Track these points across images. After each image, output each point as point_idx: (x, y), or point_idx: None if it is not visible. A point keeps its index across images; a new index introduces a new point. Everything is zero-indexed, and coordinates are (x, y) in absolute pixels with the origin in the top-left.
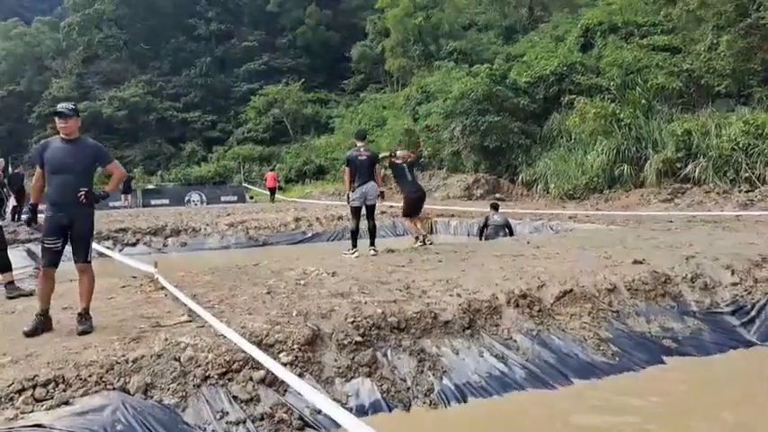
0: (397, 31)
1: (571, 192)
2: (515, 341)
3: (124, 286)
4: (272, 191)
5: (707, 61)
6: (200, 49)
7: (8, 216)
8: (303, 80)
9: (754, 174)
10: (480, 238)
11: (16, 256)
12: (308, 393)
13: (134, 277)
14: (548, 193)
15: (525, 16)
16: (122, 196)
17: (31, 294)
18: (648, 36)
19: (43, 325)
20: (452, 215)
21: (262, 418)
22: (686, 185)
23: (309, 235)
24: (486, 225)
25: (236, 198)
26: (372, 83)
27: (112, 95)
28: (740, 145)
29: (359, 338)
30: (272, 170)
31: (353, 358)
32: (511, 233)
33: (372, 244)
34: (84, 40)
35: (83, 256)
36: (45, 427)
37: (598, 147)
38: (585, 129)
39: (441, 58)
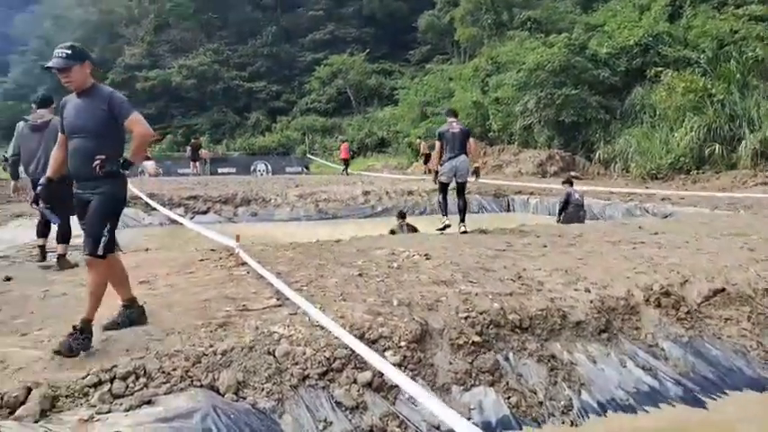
0: None
1: (654, 171)
2: (663, 349)
3: (202, 260)
4: (346, 162)
5: None
6: (267, 18)
7: None
8: (368, 50)
9: None
10: (558, 219)
11: None
12: (430, 404)
13: (213, 250)
14: (627, 172)
15: None
16: (191, 163)
17: (77, 266)
18: (744, 6)
19: (84, 343)
20: (531, 193)
21: (371, 431)
22: None
23: (379, 210)
24: (567, 203)
25: (300, 169)
26: (439, 54)
27: (182, 64)
28: None
29: (476, 338)
30: (345, 140)
31: (472, 362)
32: (585, 213)
33: (463, 220)
34: (155, 7)
35: (89, 244)
36: None
37: (687, 124)
38: (672, 104)
39: (513, 28)
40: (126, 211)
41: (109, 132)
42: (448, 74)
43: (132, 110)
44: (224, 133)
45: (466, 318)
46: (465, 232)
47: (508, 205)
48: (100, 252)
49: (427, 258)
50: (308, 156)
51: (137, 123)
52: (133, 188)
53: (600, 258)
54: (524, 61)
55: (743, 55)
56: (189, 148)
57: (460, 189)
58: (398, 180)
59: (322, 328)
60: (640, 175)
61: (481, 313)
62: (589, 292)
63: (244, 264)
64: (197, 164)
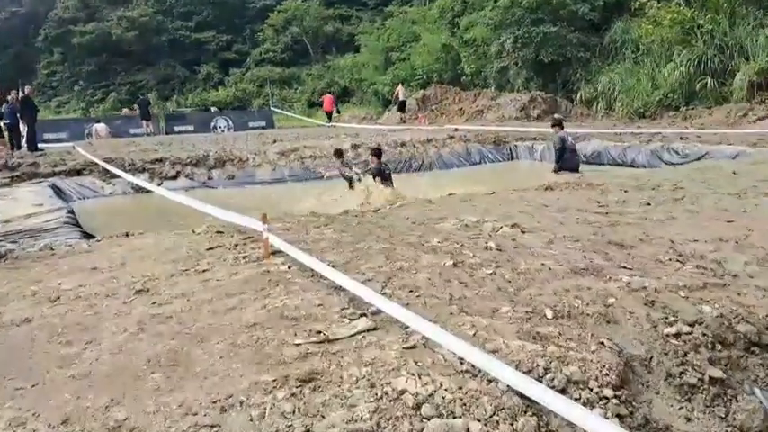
0: None
1: (642, 110)
2: None
3: (211, 248)
4: (329, 114)
5: None
6: None
7: (24, 146)
8: None
9: None
10: (556, 168)
11: (40, 194)
12: None
13: (219, 232)
14: (612, 111)
15: None
16: (143, 122)
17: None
18: None
19: None
20: (535, 138)
21: None
22: None
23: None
24: (564, 149)
25: (264, 123)
26: None
27: (120, 15)
28: None
29: (714, 372)
30: (330, 93)
31: (726, 416)
32: (579, 158)
33: None
34: None
35: None
36: None
37: (676, 58)
38: (657, 38)
39: None
40: (82, 180)
41: None
42: (411, 17)
43: None
44: (173, 89)
45: (676, 335)
46: None
47: (511, 153)
48: None
49: (523, 231)
50: (272, 109)
51: None
52: (85, 152)
53: (753, 220)
54: None
55: None
56: (137, 106)
57: None
58: (383, 131)
59: (474, 374)
60: (627, 115)
61: (692, 325)
62: None
63: (275, 253)
64: (149, 123)
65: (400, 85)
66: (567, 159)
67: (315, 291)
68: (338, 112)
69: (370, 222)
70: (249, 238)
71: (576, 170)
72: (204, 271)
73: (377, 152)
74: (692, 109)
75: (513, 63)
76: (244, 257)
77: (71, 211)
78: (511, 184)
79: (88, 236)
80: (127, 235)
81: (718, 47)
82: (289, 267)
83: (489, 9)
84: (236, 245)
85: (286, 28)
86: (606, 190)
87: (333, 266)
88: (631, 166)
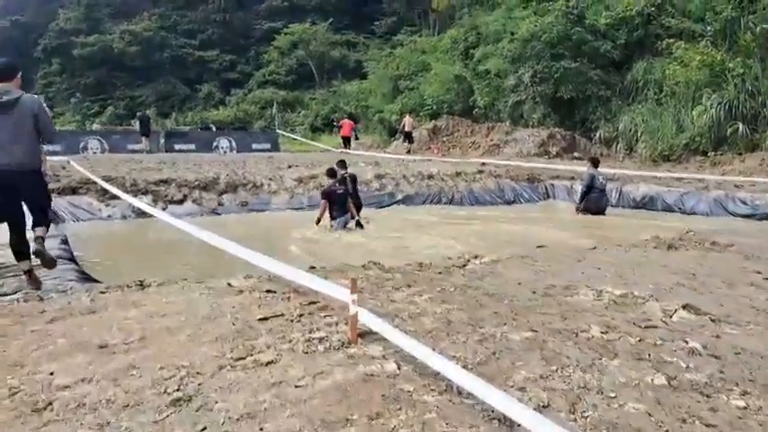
0: None
1: (666, 153)
2: None
3: (265, 318)
4: (347, 140)
5: None
6: None
7: None
8: (330, 20)
9: None
10: (579, 206)
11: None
12: None
13: (270, 291)
14: (632, 152)
15: None
16: (142, 138)
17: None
18: None
19: None
20: (573, 177)
21: None
22: None
23: (399, 197)
24: (591, 187)
25: (269, 146)
26: (406, 25)
27: (124, 29)
28: None
29: None
30: (349, 118)
31: None
32: (608, 200)
33: None
34: None
35: None
36: None
37: (705, 101)
38: (682, 79)
39: None
40: (77, 199)
41: None
42: (421, 46)
43: None
44: (172, 106)
45: None
46: None
47: (546, 192)
48: None
49: (713, 320)
50: (278, 131)
51: None
52: (81, 168)
53: None
54: (513, 32)
55: (757, 26)
56: (137, 122)
57: None
58: (403, 161)
59: None
60: (650, 157)
61: None
62: None
63: (364, 336)
64: (147, 139)
65: (407, 115)
66: (594, 199)
67: (464, 421)
68: (356, 138)
69: (469, 286)
70: (313, 303)
71: (601, 212)
72: (269, 364)
73: (330, 170)
74: (722, 155)
75: (531, 98)
76: (319, 340)
77: (65, 241)
78: None
79: (87, 277)
80: (142, 285)
81: (749, 92)
82: (399, 367)
83: (507, 41)
84: (301, 314)
85: (292, 51)
86: (747, 253)
87: (464, 368)
88: (691, 213)
